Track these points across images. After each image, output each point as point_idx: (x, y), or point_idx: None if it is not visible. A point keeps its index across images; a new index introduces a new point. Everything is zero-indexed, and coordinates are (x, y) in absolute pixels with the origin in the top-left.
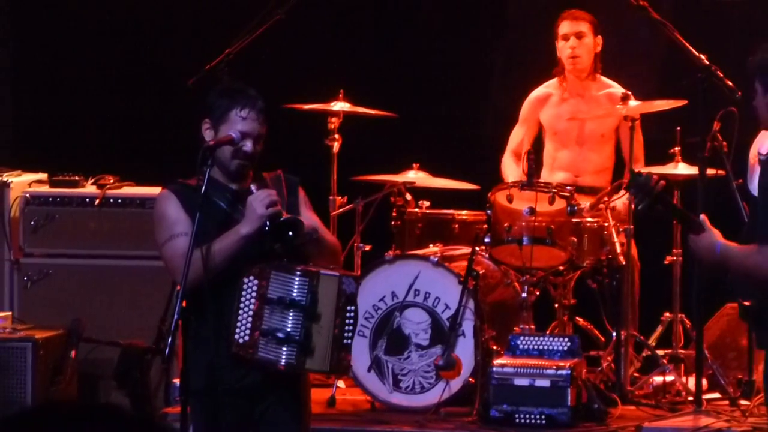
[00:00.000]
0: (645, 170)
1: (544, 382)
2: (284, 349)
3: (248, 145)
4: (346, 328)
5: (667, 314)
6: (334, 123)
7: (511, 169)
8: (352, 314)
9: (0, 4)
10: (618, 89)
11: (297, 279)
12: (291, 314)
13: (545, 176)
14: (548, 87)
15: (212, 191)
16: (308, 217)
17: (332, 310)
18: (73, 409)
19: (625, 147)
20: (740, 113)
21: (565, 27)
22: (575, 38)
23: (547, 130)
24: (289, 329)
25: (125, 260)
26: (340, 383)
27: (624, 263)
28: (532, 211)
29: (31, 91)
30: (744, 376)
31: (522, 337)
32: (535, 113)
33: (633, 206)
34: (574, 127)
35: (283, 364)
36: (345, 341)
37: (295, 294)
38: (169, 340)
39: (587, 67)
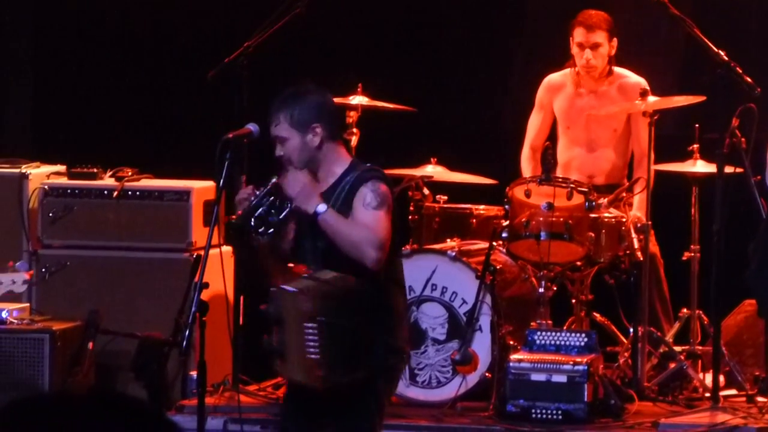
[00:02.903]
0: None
1: (560, 378)
2: (277, 358)
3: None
4: (307, 343)
5: (685, 310)
6: (352, 117)
7: (529, 169)
8: (313, 331)
9: None
10: (632, 77)
11: (273, 293)
12: (277, 326)
13: (560, 173)
14: (563, 76)
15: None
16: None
17: (295, 324)
18: (87, 399)
19: (635, 140)
20: (759, 110)
21: (580, 35)
22: (590, 50)
23: (559, 122)
24: (275, 340)
25: (143, 252)
26: None
27: (642, 259)
28: (550, 206)
29: (51, 84)
30: (761, 372)
31: (539, 333)
32: (550, 100)
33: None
34: (586, 124)
35: (277, 369)
36: (309, 356)
37: (272, 308)
38: (187, 332)
39: (602, 71)
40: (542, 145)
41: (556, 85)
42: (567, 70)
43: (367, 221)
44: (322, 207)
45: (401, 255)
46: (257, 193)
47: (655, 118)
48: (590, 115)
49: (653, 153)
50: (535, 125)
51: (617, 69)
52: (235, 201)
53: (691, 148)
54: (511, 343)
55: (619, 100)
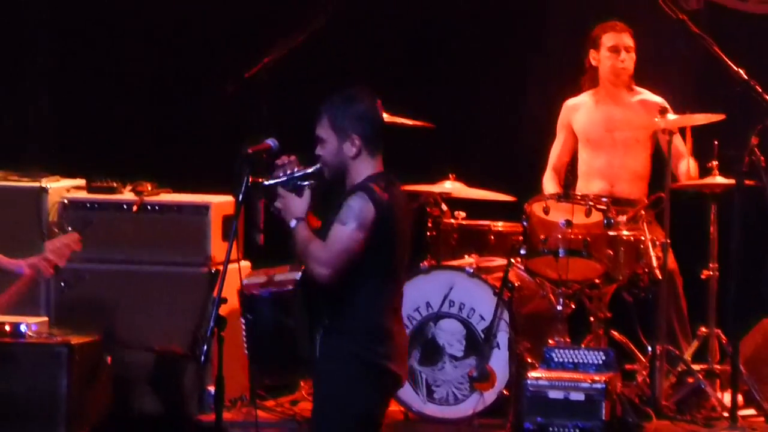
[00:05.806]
0: None
1: (578, 396)
2: None
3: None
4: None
5: (703, 329)
6: None
7: (551, 189)
8: (244, 327)
9: (41, 11)
10: (650, 96)
11: None
12: None
13: (581, 186)
14: (582, 98)
15: None
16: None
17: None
18: None
19: (674, 158)
20: None
21: (612, 39)
22: (625, 51)
23: (580, 138)
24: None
25: (162, 266)
26: None
27: (660, 277)
28: (569, 223)
29: (71, 98)
30: None
31: (557, 350)
32: (570, 119)
33: None
34: (607, 133)
35: None
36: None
37: None
38: (204, 347)
39: (629, 78)
40: (564, 166)
41: (574, 105)
42: (584, 94)
43: (330, 235)
44: (293, 222)
45: (420, 271)
46: (296, 170)
47: (674, 135)
48: (611, 124)
49: (673, 167)
50: (557, 148)
51: (636, 88)
52: (276, 162)
53: (710, 164)
54: (529, 360)
55: (639, 110)
